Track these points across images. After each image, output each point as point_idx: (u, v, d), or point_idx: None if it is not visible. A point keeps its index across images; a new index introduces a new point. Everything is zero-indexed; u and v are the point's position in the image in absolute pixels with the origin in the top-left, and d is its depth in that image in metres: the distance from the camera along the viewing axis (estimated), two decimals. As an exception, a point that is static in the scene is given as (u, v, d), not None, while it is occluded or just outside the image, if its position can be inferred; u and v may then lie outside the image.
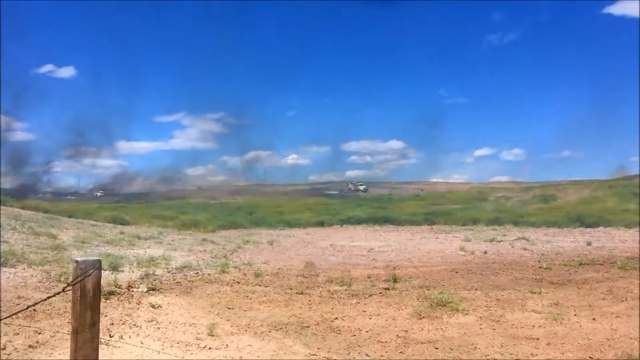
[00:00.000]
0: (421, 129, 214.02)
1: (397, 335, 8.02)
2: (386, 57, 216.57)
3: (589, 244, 24.69)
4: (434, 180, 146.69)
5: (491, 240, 26.39)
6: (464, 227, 36.82)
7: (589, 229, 34.52)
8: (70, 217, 31.54)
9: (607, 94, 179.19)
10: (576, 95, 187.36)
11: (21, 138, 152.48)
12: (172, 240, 24.43)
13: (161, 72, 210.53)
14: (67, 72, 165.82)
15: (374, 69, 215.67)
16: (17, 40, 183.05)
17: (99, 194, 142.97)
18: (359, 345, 7.48)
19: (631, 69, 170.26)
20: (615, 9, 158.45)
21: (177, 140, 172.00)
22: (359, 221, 42.95)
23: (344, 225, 41.60)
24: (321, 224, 42.48)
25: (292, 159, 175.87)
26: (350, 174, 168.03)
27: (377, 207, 56.58)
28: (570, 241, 26.57)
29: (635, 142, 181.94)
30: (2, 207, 27.16)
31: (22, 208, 29.78)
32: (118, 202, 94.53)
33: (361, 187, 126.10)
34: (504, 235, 29.49)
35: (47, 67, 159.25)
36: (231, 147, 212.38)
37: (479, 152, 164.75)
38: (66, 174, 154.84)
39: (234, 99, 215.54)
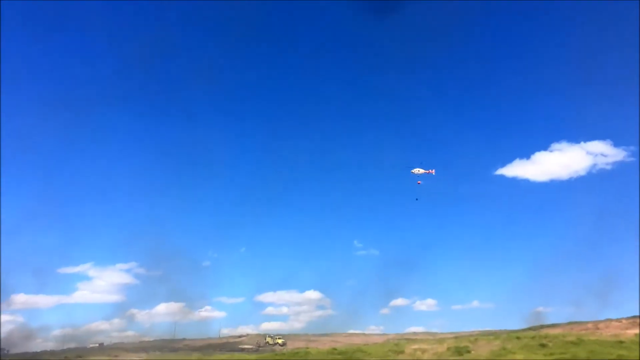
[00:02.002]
0: (337, 279, 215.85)
1: None
2: (300, 207, 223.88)
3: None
4: (351, 332, 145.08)
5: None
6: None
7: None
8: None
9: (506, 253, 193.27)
10: (484, 249, 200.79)
11: None
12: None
13: (66, 220, 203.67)
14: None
15: (291, 216, 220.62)
16: None
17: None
18: None
19: (523, 228, 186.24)
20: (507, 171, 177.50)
21: (82, 292, 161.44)
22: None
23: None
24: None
25: (205, 311, 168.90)
26: (267, 326, 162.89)
27: (293, 363, 54.46)
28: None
29: (542, 292, 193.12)
30: None
31: None
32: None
33: (279, 341, 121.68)
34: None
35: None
36: (141, 299, 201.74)
37: (395, 302, 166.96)
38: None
39: (146, 248, 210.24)
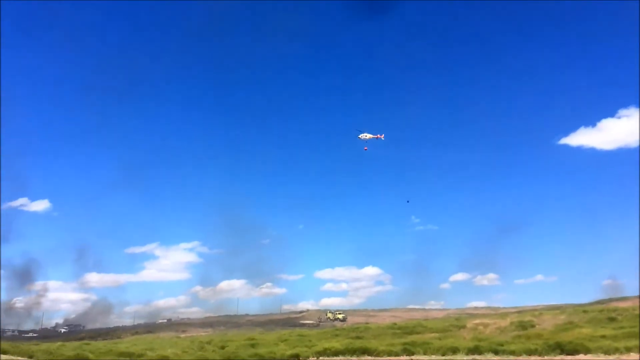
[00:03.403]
0: (395, 255, 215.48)
1: None
2: (356, 183, 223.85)
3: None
4: (411, 307, 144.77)
5: (472, 372, 25.71)
6: (443, 357, 35.82)
7: (569, 357, 33.97)
8: (30, 357, 29.79)
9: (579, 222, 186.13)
10: (550, 222, 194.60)
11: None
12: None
13: (133, 203, 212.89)
14: (41, 205, 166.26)
15: (346, 196, 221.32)
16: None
17: (63, 329, 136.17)
18: None
19: (589, 199, 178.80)
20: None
21: (149, 271, 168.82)
22: (335, 353, 41.42)
23: (321, 358, 40.01)
24: (297, 356, 40.86)
25: (266, 287, 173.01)
26: (326, 302, 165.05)
27: (354, 337, 54.99)
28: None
29: (607, 266, 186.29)
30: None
31: (-20, 349, 28.08)
32: (82, 338, 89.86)
33: (340, 317, 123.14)
34: (485, 365, 28.76)
35: (21, 201, 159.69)
36: (204, 277, 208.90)
37: (455, 277, 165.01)
38: (29, 310, 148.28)
39: (208, 228, 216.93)
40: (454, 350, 38.91)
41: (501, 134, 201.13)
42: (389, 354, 40.59)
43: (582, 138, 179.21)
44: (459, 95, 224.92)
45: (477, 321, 62.48)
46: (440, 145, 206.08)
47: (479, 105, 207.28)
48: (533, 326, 53.44)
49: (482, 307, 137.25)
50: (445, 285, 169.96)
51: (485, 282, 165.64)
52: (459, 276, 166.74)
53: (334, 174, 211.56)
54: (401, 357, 38.95)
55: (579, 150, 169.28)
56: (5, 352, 29.03)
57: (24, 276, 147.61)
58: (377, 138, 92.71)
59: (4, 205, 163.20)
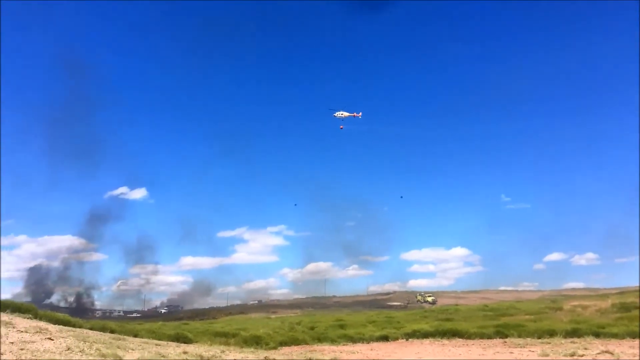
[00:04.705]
0: (485, 235, 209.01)
1: None
2: (446, 162, 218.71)
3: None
4: (502, 288, 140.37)
5: (572, 355, 24.51)
6: (539, 340, 34.39)
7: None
8: (135, 336, 31.81)
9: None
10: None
11: (94, 259, 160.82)
12: (234, 359, 24.00)
13: (224, 191, 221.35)
14: (139, 193, 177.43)
15: (434, 176, 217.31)
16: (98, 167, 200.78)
17: (163, 310, 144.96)
18: None
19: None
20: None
21: (239, 254, 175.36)
22: (425, 335, 40.94)
23: (410, 340, 39.67)
24: (385, 338, 40.75)
25: (352, 269, 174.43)
26: (413, 283, 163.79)
27: (443, 318, 54.17)
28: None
29: None
30: (71, 328, 27.83)
31: (91, 329, 30.35)
32: (180, 319, 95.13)
33: (429, 299, 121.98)
34: (585, 348, 27.31)
35: (121, 190, 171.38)
36: (292, 259, 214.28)
37: (550, 257, 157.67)
38: (133, 292, 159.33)
39: (293, 211, 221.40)
40: (551, 333, 37.23)
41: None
42: (481, 336, 39.51)
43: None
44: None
45: (575, 303, 59.61)
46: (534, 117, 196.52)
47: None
48: (637, 308, 50.07)
49: (579, 288, 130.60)
50: (539, 266, 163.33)
51: (583, 262, 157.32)
52: (554, 256, 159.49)
53: (419, 153, 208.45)
54: (494, 340, 37.78)
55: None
56: (113, 331, 31.19)
57: (137, 257, 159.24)
58: (354, 116, 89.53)
59: (106, 195, 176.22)
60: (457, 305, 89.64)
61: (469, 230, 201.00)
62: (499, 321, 46.88)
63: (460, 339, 38.55)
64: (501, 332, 40.39)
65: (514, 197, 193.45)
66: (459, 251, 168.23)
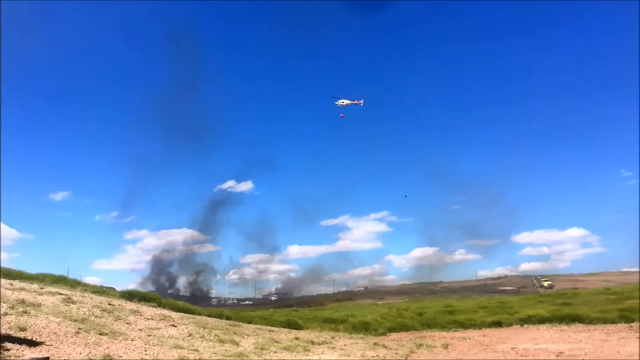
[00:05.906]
0: (603, 214, 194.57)
1: None
2: (557, 137, 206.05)
3: None
4: (625, 269, 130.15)
5: None
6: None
7: None
8: (249, 322, 33.30)
9: None
10: None
11: (206, 250, 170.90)
12: (345, 345, 24.33)
13: (323, 182, 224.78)
14: (245, 186, 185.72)
15: (539, 153, 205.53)
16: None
17: (273, 297, 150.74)
18: None
19: None
20: None
21: (343, 242, 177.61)
22: (541, 320, 38.90)
23: (525, 326, 37.95)
24: (498, 324, 39.30)
25: (459, 254, 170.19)
26: (525, 267, 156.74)
27: (560, 303, 51.35)
28: None
29: None
30: (191, 315, 29.68)
31: (209, 316, 32.17)
32: (290, 306, 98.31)
33: (545, 284, 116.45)
34: None
35: (229, 183, 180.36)
36: (396, 245, 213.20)
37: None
38: (245, 281, 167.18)
39: (394, 197, 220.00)
40: (686, 318, 33.92)
41: None
42: (604, 321, 36.84)
43: None
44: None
45: None
46: None
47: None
48: None
49: None
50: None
51: None
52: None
53: (528, 132, 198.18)
54: (618, 325, 35.10)
55: None
56: (229, 318, 32.88)
57: (247, 247, 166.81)
58: (356, 104, 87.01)
59: (216, 188, 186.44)
60: (575, 288, 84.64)
61: (585, 209, 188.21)
62: (623, 305, 43.44)
63: (581, 324, 36.17)
64: (626, 317, 37.34)
65: (635, 171, 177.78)
66: (575, 232, 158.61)
